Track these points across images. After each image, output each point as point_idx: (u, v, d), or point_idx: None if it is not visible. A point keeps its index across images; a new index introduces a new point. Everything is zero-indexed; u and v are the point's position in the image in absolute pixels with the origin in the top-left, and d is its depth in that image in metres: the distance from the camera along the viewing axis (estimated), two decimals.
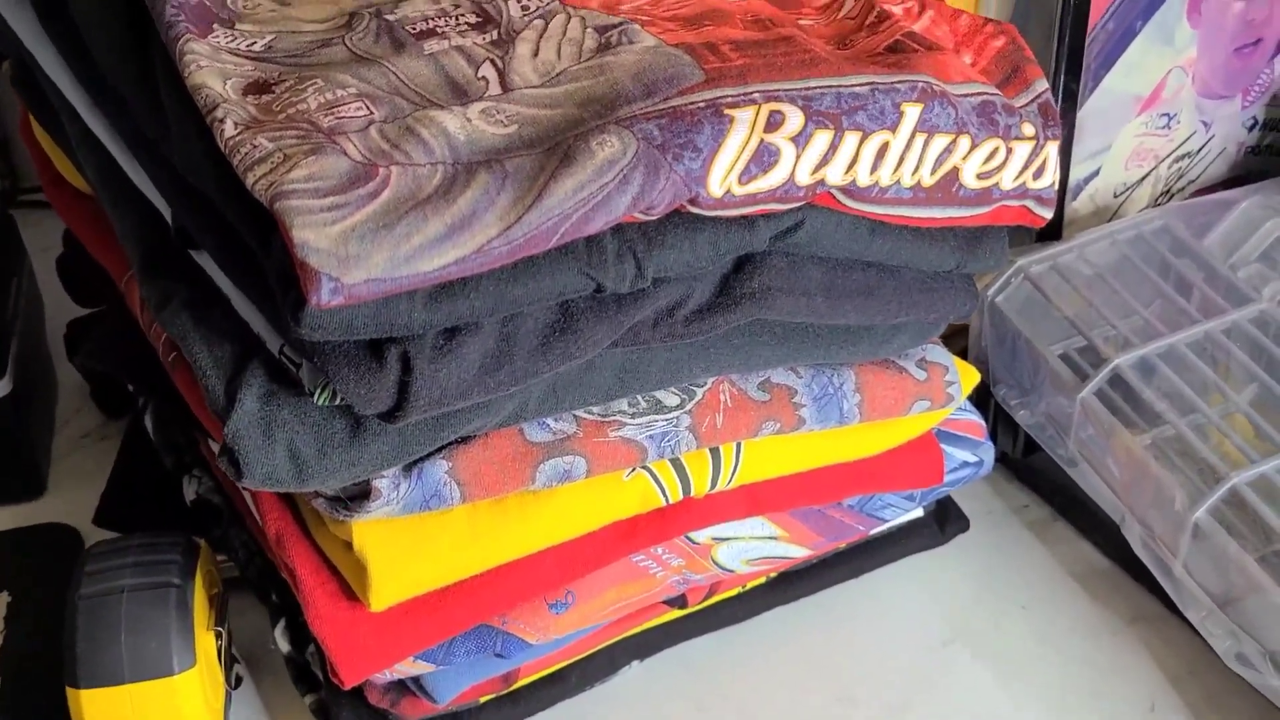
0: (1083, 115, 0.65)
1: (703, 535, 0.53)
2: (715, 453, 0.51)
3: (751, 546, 0.55)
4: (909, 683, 0.58)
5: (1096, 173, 0.68)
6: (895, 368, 0.54)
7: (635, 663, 0.57)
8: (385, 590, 0.46)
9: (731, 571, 0.55)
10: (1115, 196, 0.70)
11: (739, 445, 0.51)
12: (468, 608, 0.48)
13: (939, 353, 0.56)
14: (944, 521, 0.63)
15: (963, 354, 0.66)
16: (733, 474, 0.51)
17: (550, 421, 0.47)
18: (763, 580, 0.59)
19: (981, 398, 0.65)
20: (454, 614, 0.48)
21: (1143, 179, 0.70)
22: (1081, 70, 0.64)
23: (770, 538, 0.55)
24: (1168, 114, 0.69)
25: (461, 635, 0.49)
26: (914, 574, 0.62)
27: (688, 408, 0.49)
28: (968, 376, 0.56)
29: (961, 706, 0.57)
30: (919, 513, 0.62)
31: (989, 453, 0.60)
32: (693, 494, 0.51)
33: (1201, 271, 0.63)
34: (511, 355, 0.42)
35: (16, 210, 0.73)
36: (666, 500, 0.50)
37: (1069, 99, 0.64)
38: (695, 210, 0.43)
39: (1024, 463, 0.67)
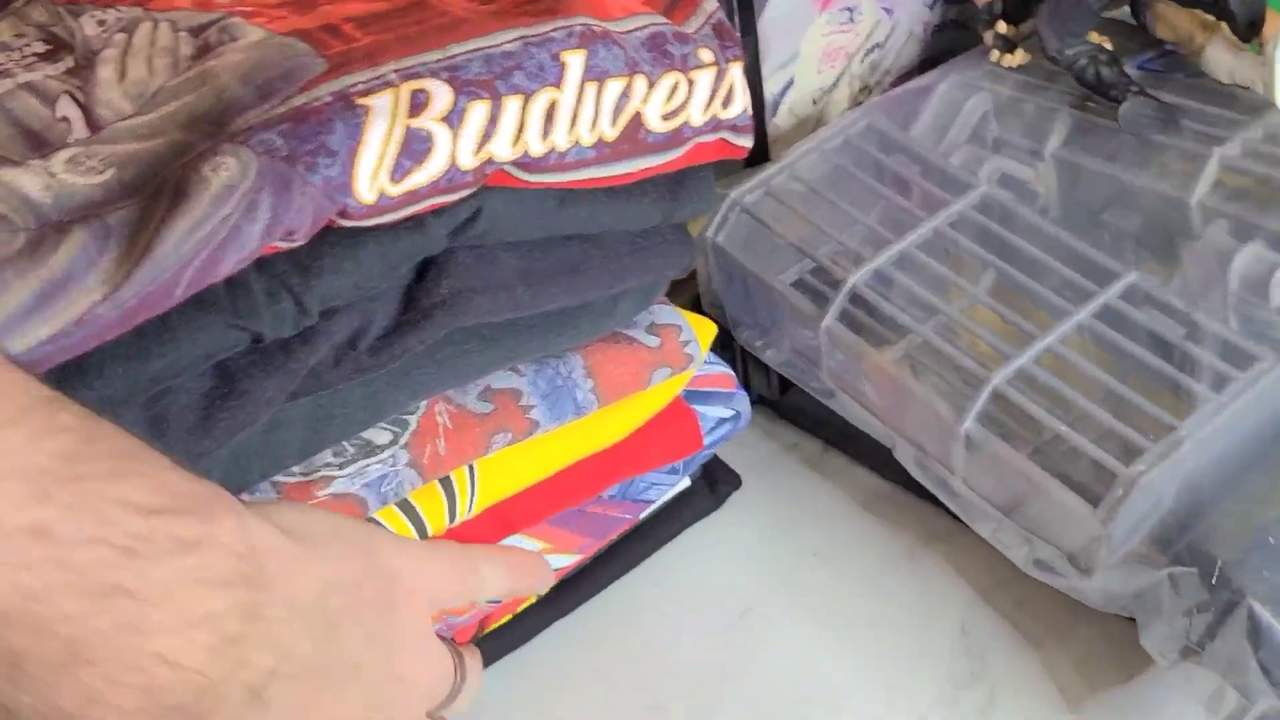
0: (763, 26, 0.61)
1: None
2: (447, 483, 0.45)
3: None
4: (717, 668, 0.54)
5: (791, 83, 0.64)
6: (625, 340, 0.49)
7: None
8: None
9: (497, 601, 0.49)
10: (814, 104, 0.66)
11: (472, 468, 0.45)
12: None
13: (668, 313, 0.51)
14: (714, 483, 0.59)
15: (696, 303, 0.62)
16: (471, 502, 0.45)
17: (244, 496, 0.40)
18: (533, 599, 0.53)
19: (726, 344, 0.61)
20: None
21: (838, 80, 0.67)
22: None
23: None
24: (849, 8, 0.66)
25: None
26: (697, 553, 0.58)
27: (402, 441, 0.43)
28: (704, 331, 0.52)
29: (777, 676, 0.53)
30: (686, 482, 0.57)
31: (744, 403, 0.56)
32: (430, 535, 0.45)
33: (916, 165, 0.61)
34: (165, 441, 0.35)
35: None
36: None
37: (746, 11, 0.60)
38: (348, 224, 0.36)
39: (784, 401, 0.63)
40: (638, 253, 0.46)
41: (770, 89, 0.63)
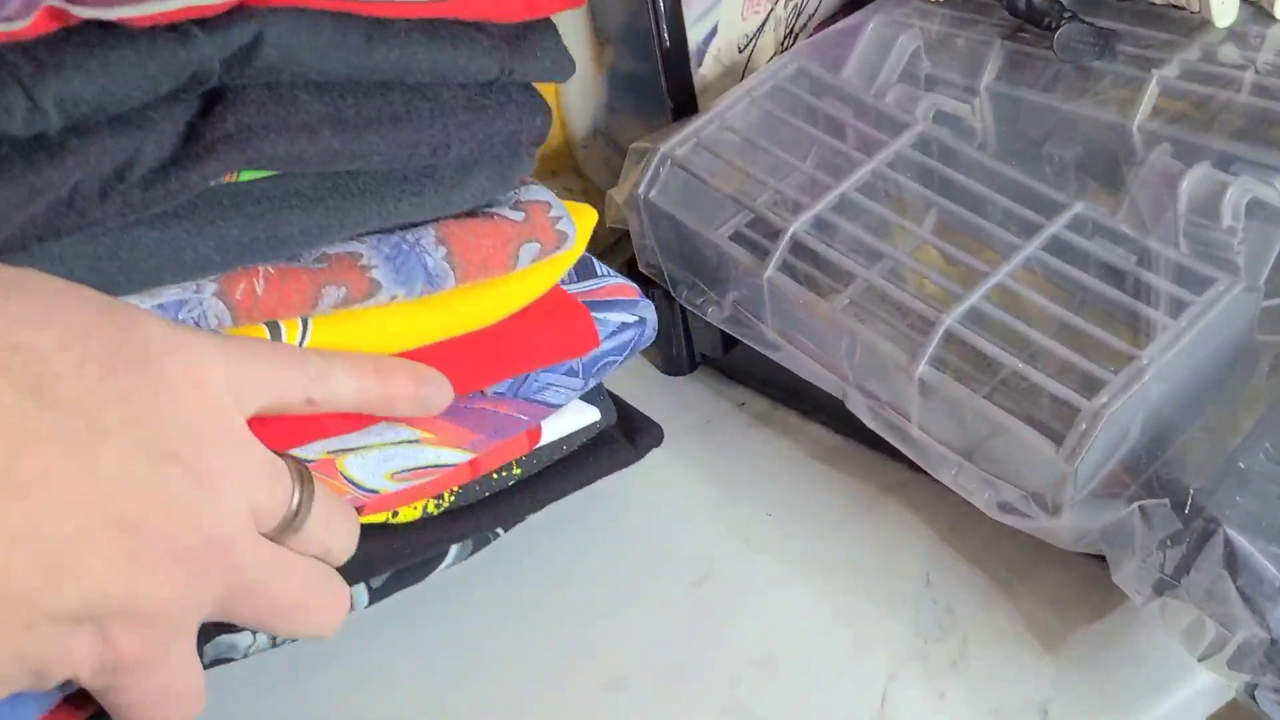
0: None
1: (313, 450, 0.43)
2: (275, 328, 0.41)
3: (390, 454, 0.45)
4: (677, 638, 0.51)
5: (714, 30, 0.62)
6: (484, 214, 0.46)
7: None
8: None
9: (374, 491, 0.45)
10: (740, 51, 0.64)
11: (306, 322, 0.42)
12: None
13: (538, 191, 0.48)
14: (632, 434, 0.55)
15: (632, 264, 0.60)
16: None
17: None
18: (418, 514, 0.48)
19: (668, 306, 0.58)
20: None
21: (763, 25, 0.65)
22: None
23: (411, 441, 0.45)
24: None
25: None
26: (651, 519, 0.56)
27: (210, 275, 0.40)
28: (583, 216, 0.49)
29: (739, 643, 0.51)
30: (595, 415, 0.53)
31: (649, 310, 0.53)
32: None
33: (849, 107, 0.58)
34: None
35: None
36: None
37: None
38: (81, 11, 0.34)
39: (730, 359, 0.61)
40: (476, 110, 0.43)
41: (694, 37, 0.61)
